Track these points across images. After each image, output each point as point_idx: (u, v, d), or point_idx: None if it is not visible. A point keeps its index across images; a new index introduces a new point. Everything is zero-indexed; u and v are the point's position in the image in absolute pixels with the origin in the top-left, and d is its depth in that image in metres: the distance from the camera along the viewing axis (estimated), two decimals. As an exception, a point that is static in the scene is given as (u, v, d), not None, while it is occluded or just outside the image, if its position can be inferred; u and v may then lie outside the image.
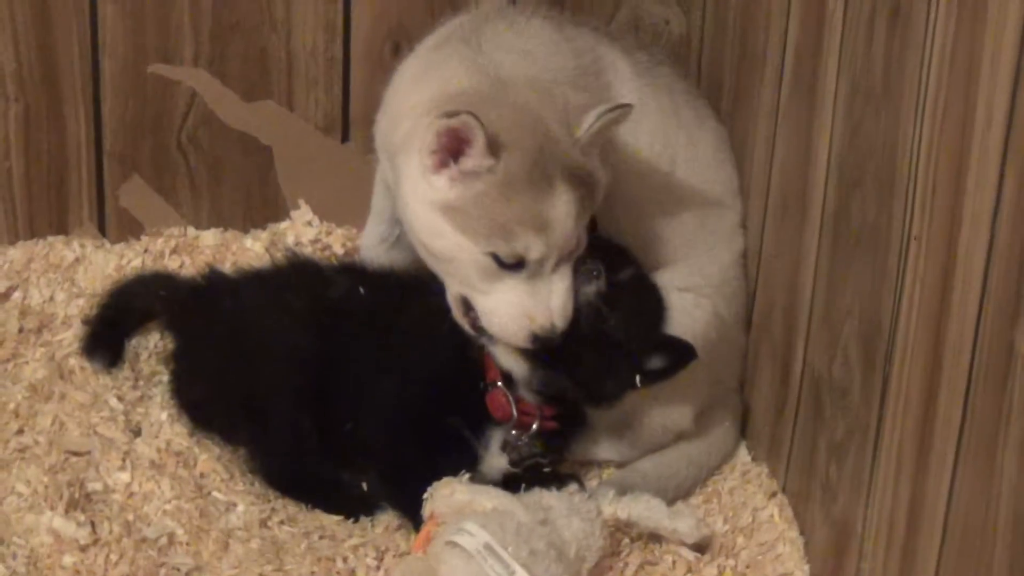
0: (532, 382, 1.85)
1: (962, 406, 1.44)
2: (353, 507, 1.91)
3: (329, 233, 2.33)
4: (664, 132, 1.97)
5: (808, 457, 1.86)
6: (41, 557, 1.75)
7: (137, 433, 1.97)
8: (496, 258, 1.74)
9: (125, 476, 1.88)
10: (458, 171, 1.73)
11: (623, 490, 1.85)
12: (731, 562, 1.84)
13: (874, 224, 1.64)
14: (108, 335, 2.10)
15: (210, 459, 1.94)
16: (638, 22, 2.29)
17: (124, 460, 1.90)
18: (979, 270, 1.40)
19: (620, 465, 2.01)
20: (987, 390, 1.40)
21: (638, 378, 1.85)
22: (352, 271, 2.05)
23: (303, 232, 2.33)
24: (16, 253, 2.28)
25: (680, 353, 1.86)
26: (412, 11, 2.26)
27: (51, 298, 2.21)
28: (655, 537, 1.84)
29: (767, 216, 1.98)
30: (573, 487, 1.81)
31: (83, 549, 1.76)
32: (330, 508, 1.92)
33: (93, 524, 1.79)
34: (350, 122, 2.32)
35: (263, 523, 1.87)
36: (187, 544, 1.80)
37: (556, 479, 1.84)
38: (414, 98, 1.82)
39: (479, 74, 1.79)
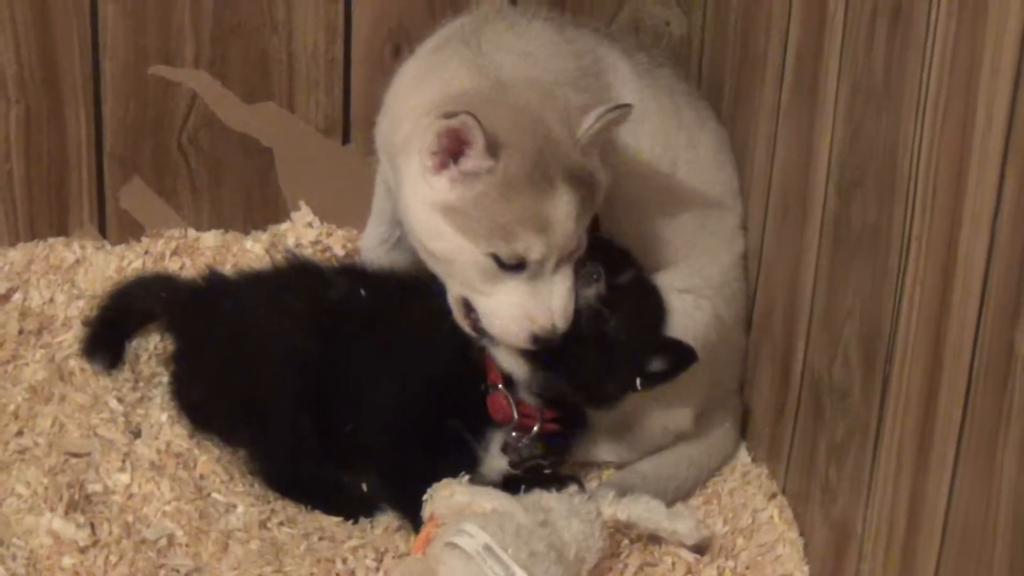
0: (533, 385, 1.85)
1: (962, 406, 1.44)
2: (353, 508, 1.91)
3: (330, 234, 2.33)
4: (665, 133, 1.97)
5: (808, 458, 1.86)
6: (41, 558, 1.75)
7: (137, 434, 1.97)
8: (497, 259, 1.73)
9: (125, 477, 1.88)
10: (458, 172, 1.73)
11: (623, 491, 1.85)
12: (731, 563, 1.84)
13: (875, 225, 1.64)
14: (108, 336, 2.10)
15: (210, 460, 1.94)
16: (639, 23, 2.29)
17: (124, 461, 1.90)
18: (979, 270, 1.40)
19: (620, 466, 2.01)
20: (987, 390, 1.40)
21: (639, 380, 1.85)
22: (352, 272, 2.05)
23: (304, 234, 2.33)
24: (16, 254, 2.28)
25: (681, 355, 1.86)
26: (413, 12, 2.26)
27: (51, 300, 2.21)
28: (655, 538, 1.84)
29: (768, 217, 1.98)
30: (573, 488, 1.81)
31: (83, 550, 1.76)
32: (330, 509, 1.92)
33: (93, 525, 1.79)
34: (351, 123, 2.32)
35: (263, 524, 1.87)
36: (187, 545, 1.80)
37: (556, 480, 1.84)
38: (414, 100, 1.82)
39: (479, 75, 1.79)
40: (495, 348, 1.83)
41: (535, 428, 1.86)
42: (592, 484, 1.96)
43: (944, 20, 1.46)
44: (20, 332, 2.15)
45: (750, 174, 2.04)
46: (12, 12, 2.19)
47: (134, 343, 2.13)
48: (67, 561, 1.75)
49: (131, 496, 1.86)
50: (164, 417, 1.99)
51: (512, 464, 1.87)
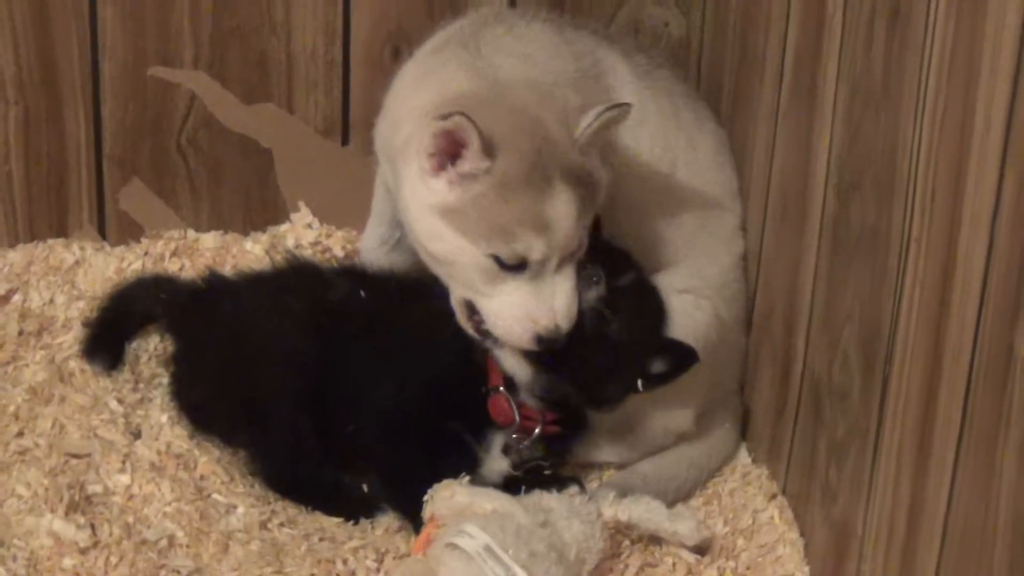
0: (535, 387, 1.85)
1: (962, 407, 1.44)
2: (353, 509, 1.91)
3: (329, 235, 2.33)
4: (664, 135, 1.98)
5: (808, 459, 1.86)
6: (41, 559, 1.75)
7: (137, 435, 1.97)
8: (498, 260, 1.74)
9: (125, 478, 1.88)
10: (456, 174, 1.73)
11: (623, 492, 1.85)
12: (731, 564, 1.84)
13: (874, 226, 1.65)
14: (108, 338, 2.10)
15: (210, 461, 1.94)
16: (638, 24, 2.29)
17: (124, 462, 1.90)
18: (979, 272, 1.40)
19: (620, 467, 2.01)
20: (987, 391, 1.40)
21: (640, 382, 1.85)
22: (352, 273, 2.05)
23: (303, 235, 2.33)
24: (16, 256, 2.28)
25: (682, 357, 1.86)
26: (412, 14, 2.26)
27: (51, 301, 2.21)
28: (655, 539, 1.84)
29: (767, 219, 1.98)
30: (573, 489, 1.81)
31: (83, 551, 1.76)
32: (330, 510, 1.92)
33: (93, 526, 1.79)
34: (350, 125, 2.32)
35: (263, 525, 1.87)
36: (187, 546, 1.80)
37: (556, 481, 1.84)
38: (413, 102, 1.82)
39: (477, 77, 1.80)
40: (499, 350, 1.83)
41: (536, 430, 1.86)
42: (593, 485, 1.96)
43: (943, 21, 1.47)
44: (20, 333, 2.15)
45: (749, 176, 2.04)
46: (11, 13, 2.19)
47: (134, 344, 2.13)
48: (67, 562, 1.75)
49: (131, 497, 1.86)
50: (164, 418, 1.99)
51: (513, 465, 1.87)
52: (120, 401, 2.02)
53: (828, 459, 1.79)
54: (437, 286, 1.83)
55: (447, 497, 1.76)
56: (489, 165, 1.71)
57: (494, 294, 1.76)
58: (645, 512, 1.80)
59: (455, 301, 1.81)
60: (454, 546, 1.66)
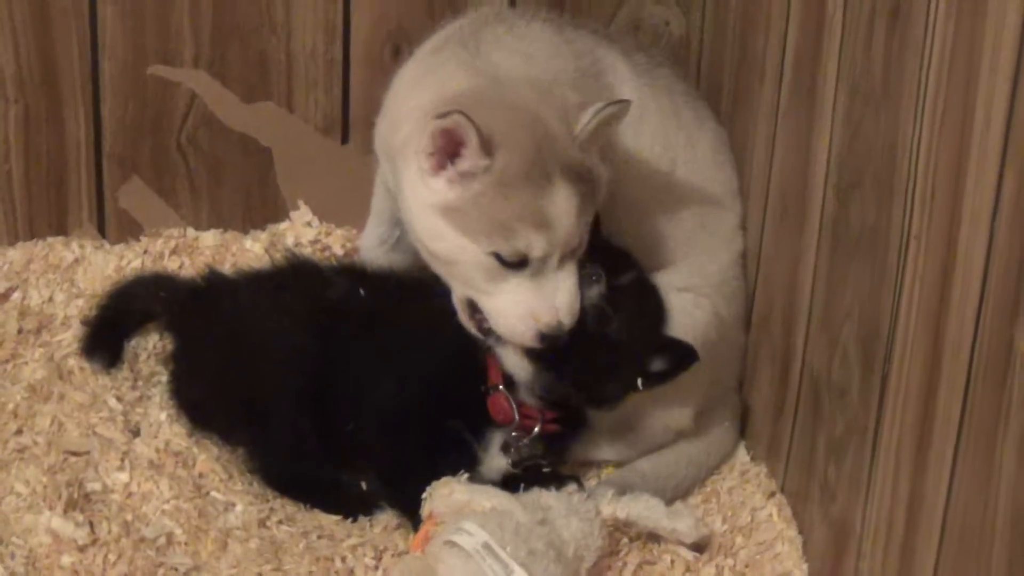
0: (536, 387, 1.85)
1: (961, 404, 1.44)
2: (352, 507, 1.91)
3: (328, 234, 2.33)
4: (664, 133, 1.98)
5: (807, 456, 1.86)
6: (39, 557, 1.75)
7: (136, 433, 1.97)
8: (499, 257, 1.74)
9: (124, 476, 1.88)
10: (455, 172, 1.73)
11: (622, 490, 1.85)
12: (730, 561, 1.84)
13: (873, 225, 1.65)
14: (107, 336, 2.10)
15: (209, 459, 1.94)
16: (638, 23, 2.29)
17: (123, 460, 1.90)
18: (978, 269, 1.40)
19: (619, 465, 2.01)
20: (986, 388, 1.40)
21: (640, 380, 1.85)
22: (352, 272, 2.05)
23: (303, 233, 2.33)
24: (15, 254, 2.28)
25: (682, 355, 1.86)
26: (412, 14, 2.27)
27: (50, 299, 2.22)
28: (654, 537, 1.84)
29: (767, 217, 1.99)
30: (572, 487, 1.81)
31: (81, 549, 1.76)
32: (328, 508, 1.92)
33: (92, 524, 1.79)
34: (350, 123, 2.33)
35: (262, 523, 1.87)
36: (185, 544, 1.80)
37: (555, 479, 1.84)
38: (413, 101, 1.82)
39: (477, 76, 1.80)
40: (502, 348, 1.83)
41: (536, 429, 1.86)
42: (591, 482, 1.96)
43: (943, 20, 1.47)
44: (19, 331, 2.15)
45: (749, 175, 2.04)
46: (11, 12, 2.19)
47: (133, 342, 2.13)
48: (66, 560, 1.74)
49: (130, 495, 1.86)
50: (163, 416, 1.99)
51: (512, 463, 1.87)
52: (119, 399, 2.02)
53: (827, 457, 1.79)
54: (437, 285, 1.83)
55: (446, 495, 1.76)
56: (488, 163, 1.71)
57: (496, 292, 1.76)
58: (644, 510, 1.80)
59: (457, 300, 1.81)
60: (453, 544, 1.66)
